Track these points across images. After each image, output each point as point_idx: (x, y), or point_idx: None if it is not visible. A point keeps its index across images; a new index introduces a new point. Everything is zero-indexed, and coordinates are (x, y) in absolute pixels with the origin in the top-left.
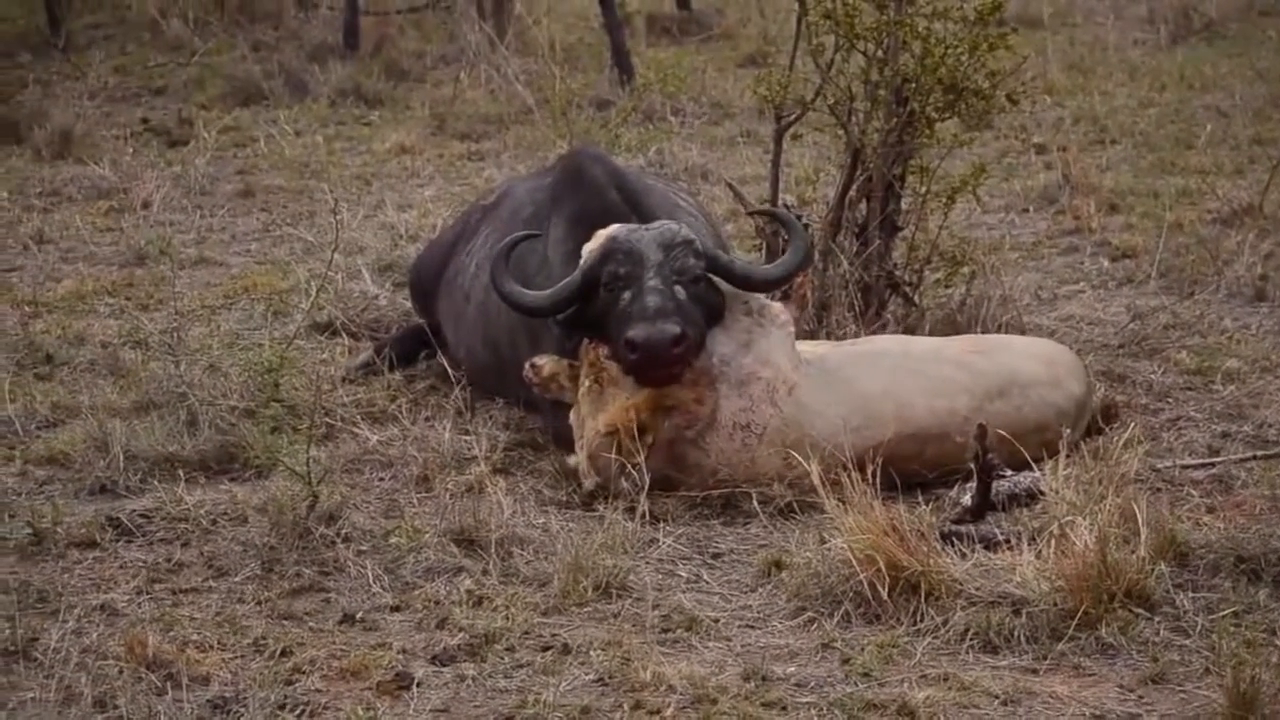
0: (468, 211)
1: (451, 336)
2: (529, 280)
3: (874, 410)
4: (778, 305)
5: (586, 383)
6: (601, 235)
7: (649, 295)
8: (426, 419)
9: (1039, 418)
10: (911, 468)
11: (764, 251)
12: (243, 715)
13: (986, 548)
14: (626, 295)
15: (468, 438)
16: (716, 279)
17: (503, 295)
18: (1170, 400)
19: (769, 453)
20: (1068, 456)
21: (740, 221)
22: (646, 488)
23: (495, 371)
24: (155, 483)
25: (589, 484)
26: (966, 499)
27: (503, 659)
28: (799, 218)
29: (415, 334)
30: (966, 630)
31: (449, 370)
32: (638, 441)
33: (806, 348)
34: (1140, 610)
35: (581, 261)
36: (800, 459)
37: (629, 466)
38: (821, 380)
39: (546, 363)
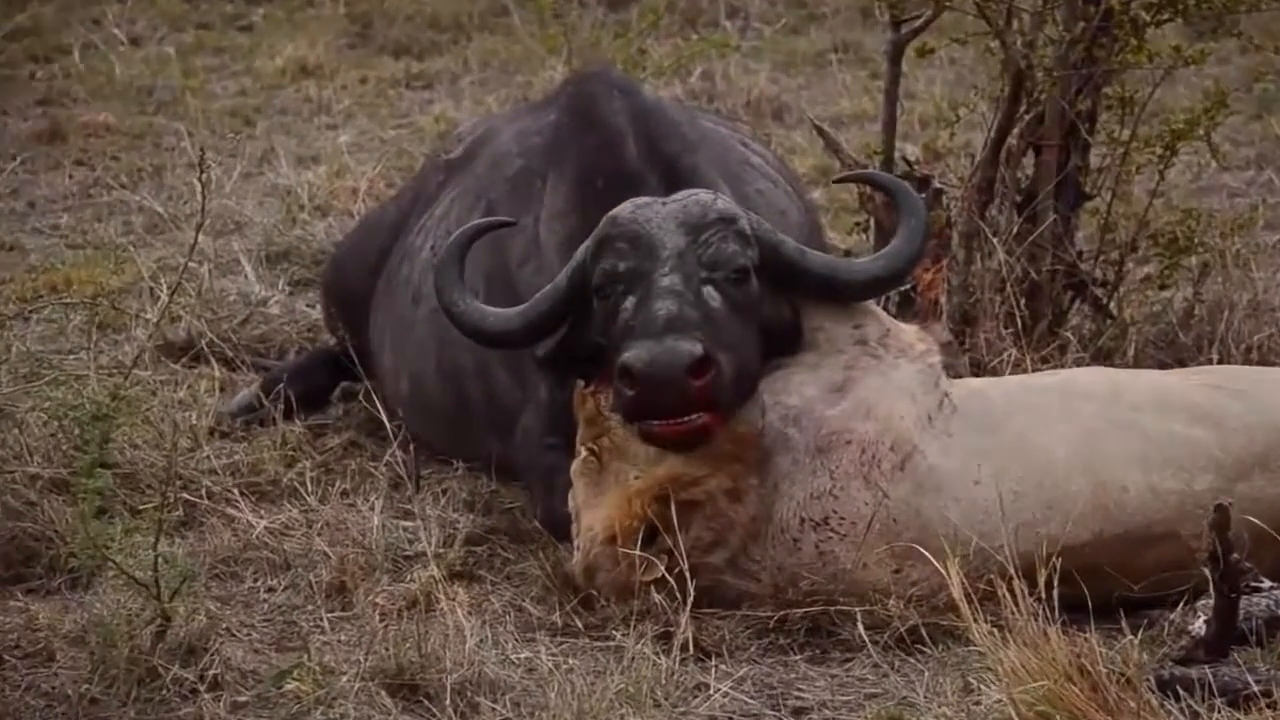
0: (422, 171)
1: (389, 361)
2: (510, 274)
3: (1059, 490)
4: (911, 329)
5: (582, 452)
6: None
7: (658, 300)
8: (344, 494)
9: None
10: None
11: (872, 233)
12: None
13: (1231, 702)
14: (629, 302)
15: (409, 523)
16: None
17: (449, 312)
18: None
19: (869, 558)
20: None
21: (832, 186)
22: (689, 604)
23: (455, 416)
24: None
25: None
26: (1198, 625)
27: None
28: (926, 181)
29: (326, 361)
30: None
31: (382, 417)
32: (649, 550)
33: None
34: None
35: (572, 260)
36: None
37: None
38: (973, 436)
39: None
